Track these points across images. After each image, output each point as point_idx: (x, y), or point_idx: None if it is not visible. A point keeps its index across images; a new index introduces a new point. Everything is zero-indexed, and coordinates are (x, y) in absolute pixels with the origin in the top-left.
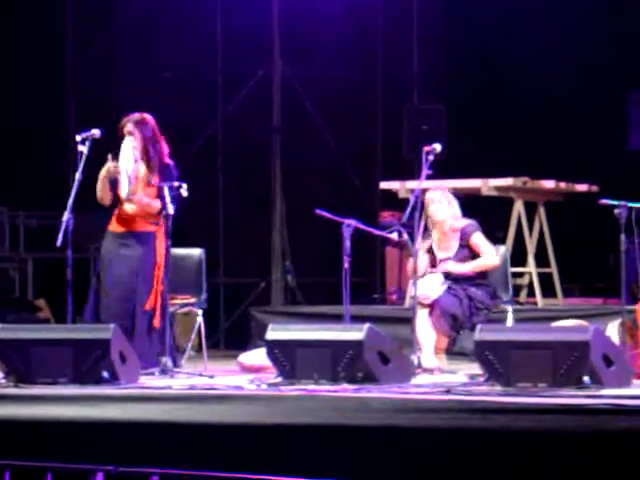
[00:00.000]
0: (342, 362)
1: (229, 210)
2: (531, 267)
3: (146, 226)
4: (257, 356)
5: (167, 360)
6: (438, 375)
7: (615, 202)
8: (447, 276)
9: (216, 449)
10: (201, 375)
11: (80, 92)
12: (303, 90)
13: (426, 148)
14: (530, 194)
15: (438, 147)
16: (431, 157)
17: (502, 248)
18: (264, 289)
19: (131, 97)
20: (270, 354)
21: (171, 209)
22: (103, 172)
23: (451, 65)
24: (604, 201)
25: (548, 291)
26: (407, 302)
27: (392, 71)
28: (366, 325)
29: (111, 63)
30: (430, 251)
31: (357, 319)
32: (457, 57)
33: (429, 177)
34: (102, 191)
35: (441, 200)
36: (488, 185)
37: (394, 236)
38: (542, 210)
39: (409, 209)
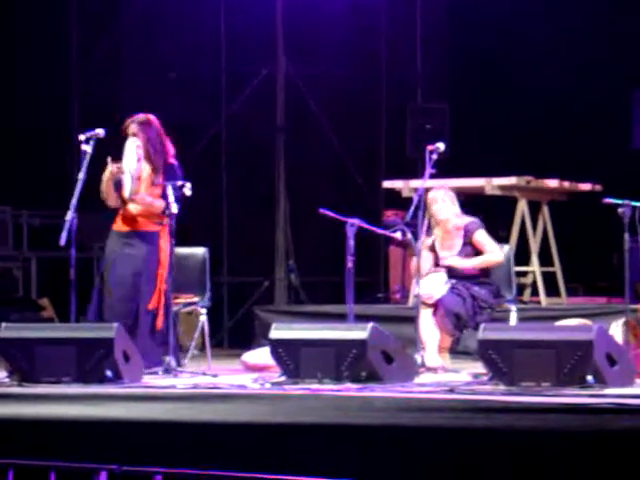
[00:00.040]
0: (346, 361)
1: (233, 209)
2: (535, 266)
3: (150, 226)
4: (261, 355)
5: (171, 359)
6: (442, 374)
7: (619, 201)
8: (451, 275)
9: (219, 448)
10: (205, 374)
11: (84, 92)
12: (307, 89)
13: (430, 147)
14: (534, 193)
15: (442, 146)
16: (435, 156)
17: (506, 247)
18: (268, 288)
19: (135, 98)
20: (274, 353)
21: (175, 208)
22: (106, 174)
23: (454, 66)
24: (608, 200)
25: (552, 290)
26: (411, 301)
27: (396, 72)
28: (370, 324)
29: (115, 65)
30: (433, 250)
31: (361, 318)
32: (460, 58)
33: (433, 176)
34: (107, 193)
35: (444, 199)
36: (492, 184)
37: (398, 235)
38: (546, 209)
39: (412, 208)
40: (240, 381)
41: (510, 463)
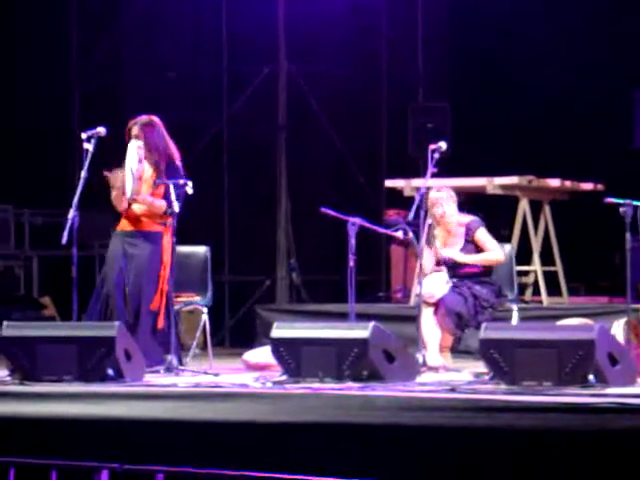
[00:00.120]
0: (347, 360)
1: (234, 208)
2: (536, 265)
3: (154, 226)
4: (262, 354)
5: (172, 358)
6: (443, 373)
7: (620, 201)
8: (453, 274)
9: (221, 447)
10: (206, 373)
11: (84, 92)
12: (308, 88)
13: (431, 146)
14: (535, 193)
15: (443, 145)
16: (436, 155)
17: (507, 246)
18: (269, 287)
19: (136, 98)
20: (275, 352)
21: (176, 207)
22: (111, 184)
23: (455, 66)
24: (609, 200)
25: (553, 289)
26: (412, 300)
27: (397, 72)
28: (371, 323)
29: (116, 65)
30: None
31: (362, 317)
32: (461, 58)
33: (434, 175)
34: (116, 200)
35: (447, 200)
36: (493, 184)
37: (399, 234)
38: (547, 209)
39: (414, 207)
40: (241, 380)
41: (511, 462)
